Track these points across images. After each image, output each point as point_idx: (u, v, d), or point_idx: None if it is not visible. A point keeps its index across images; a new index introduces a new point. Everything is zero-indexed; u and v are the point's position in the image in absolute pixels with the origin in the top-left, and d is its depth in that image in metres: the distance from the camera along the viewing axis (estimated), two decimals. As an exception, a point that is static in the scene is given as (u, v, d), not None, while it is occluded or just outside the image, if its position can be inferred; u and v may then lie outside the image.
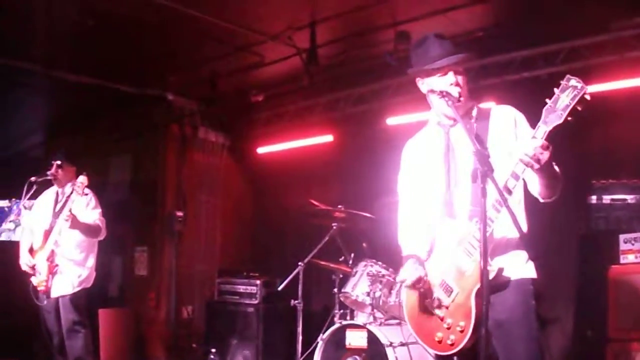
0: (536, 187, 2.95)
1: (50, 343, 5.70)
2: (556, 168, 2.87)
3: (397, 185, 3.45)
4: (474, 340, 2.85)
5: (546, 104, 2.66)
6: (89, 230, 5.67)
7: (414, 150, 3.38)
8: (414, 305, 3.16)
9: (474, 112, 3.17)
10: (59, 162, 5.83)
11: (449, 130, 3.18)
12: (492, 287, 2.77)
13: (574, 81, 2.58)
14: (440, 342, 2.98)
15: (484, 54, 6.47)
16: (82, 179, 5.42)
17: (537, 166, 2.67)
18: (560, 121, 2.60)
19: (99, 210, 5.82)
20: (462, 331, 2.88)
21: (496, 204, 2.78)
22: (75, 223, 5.45)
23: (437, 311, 3.02)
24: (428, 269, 3.10)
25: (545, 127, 2.64)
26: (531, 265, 3.01)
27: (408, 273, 3.08)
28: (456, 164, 3.11)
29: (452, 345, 2.92)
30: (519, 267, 2.98)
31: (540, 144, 2.64)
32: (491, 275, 2.77)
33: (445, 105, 3.00)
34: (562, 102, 2.59)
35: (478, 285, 2.82)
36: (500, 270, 2.85)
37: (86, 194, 5.54)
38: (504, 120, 3.08)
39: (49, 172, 5.83)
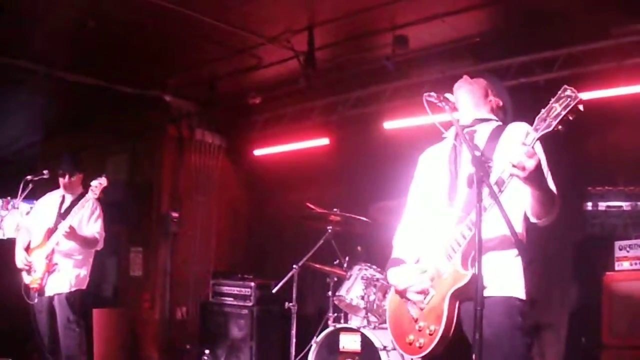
0: (529, 204, 2.88)
1: (41, 343, 5.69)
2: (552, 186, 2.85)
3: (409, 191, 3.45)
4: (443, 346, 2.84)
5: (540, 111, 2.65)
6: (85, 242, 5.69)
7: (427, 158, 3.41)
8: (396, 305, 3.16)
9: (490, 126, 3.18)
10: (69, 172, 5.82)
11: (461, 143, 3.18)
12: (464, 293, 2.79)
13: (569, 91, 2.55)
14: (410, 344, 2.98)
15: (481, 60, 6.48)
16: (102, 180, 5.53)
17: (522, 174, 2.61)
18: (550, 129, 2.56)
19: (100, 222, 5.84)
20: (431, 334, 2.87)
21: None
22: (72, 235, 5.47)
23: (412, 312, 3.01)
24: (416, 270, 3.09)
25: (534, 134, 2.61)
26: (521, 284, 2.95)
27: (416, 281, 3.02)
28: (459, 174, 3.12)
29: (420, 348, 2.91)
30: (509, 284, 2.92)
31: (526, 151, 2.60)
32: (465, 281, 2.78)
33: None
34: (554, 111, 2.56)
35: (452, 289, 2.83)
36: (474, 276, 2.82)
37: (101, 196, 5.59)
38: (516, 134, 3.00)
39: (61, 182, 5.84)
